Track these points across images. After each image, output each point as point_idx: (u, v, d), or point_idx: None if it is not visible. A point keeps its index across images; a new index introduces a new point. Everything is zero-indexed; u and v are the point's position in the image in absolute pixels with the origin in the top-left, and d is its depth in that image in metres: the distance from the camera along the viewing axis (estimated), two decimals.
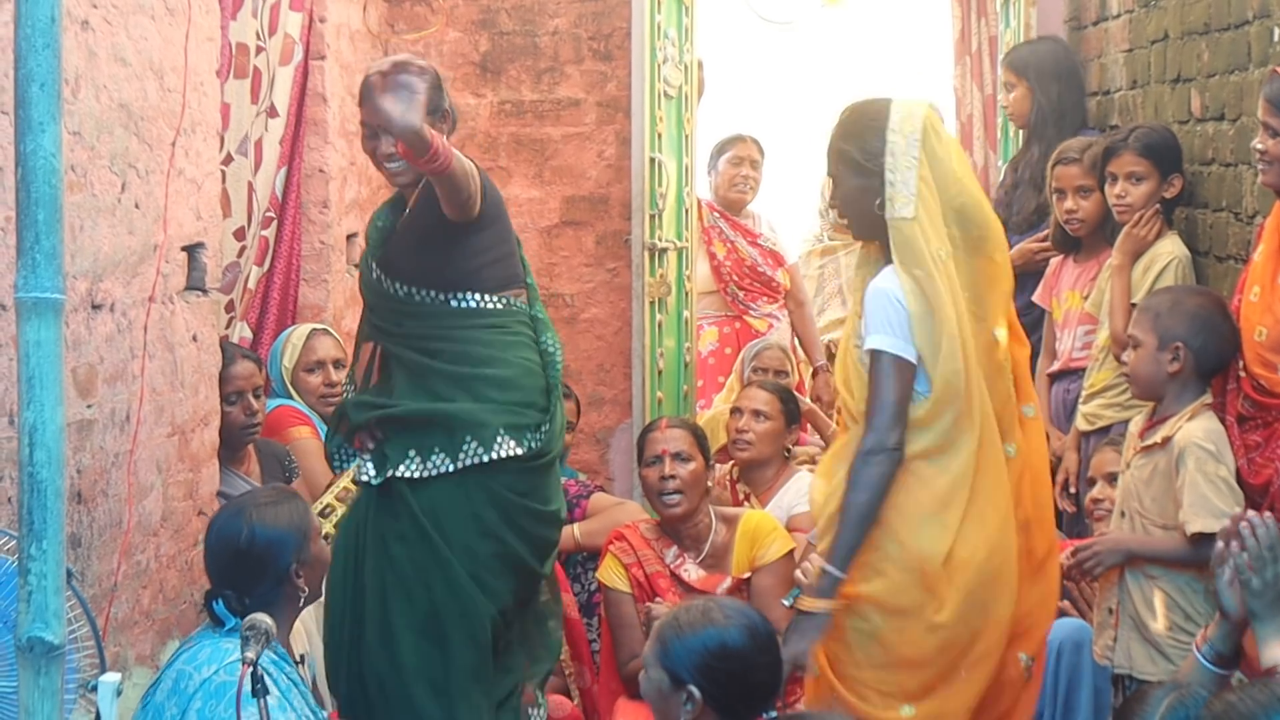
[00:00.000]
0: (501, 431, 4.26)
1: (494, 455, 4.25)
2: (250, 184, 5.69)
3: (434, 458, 4.26)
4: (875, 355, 3.71)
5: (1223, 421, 4.02)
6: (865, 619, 3.72)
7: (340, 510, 4.79)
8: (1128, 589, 4.07)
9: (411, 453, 4.27)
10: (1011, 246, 6.01)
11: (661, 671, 3.34)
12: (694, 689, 3.29)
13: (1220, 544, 3.24)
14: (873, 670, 3.73)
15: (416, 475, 4.26)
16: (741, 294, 7.21)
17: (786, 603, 3.85)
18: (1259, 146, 4.09)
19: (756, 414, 5.57)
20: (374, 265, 4.43)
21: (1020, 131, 6.37)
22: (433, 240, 4.29)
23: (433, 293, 4.33)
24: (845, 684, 3.73)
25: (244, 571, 3.58)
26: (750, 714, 3.39)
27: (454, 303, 4.33)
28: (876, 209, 3.75)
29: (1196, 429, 3.98)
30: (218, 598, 3.58)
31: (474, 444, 4.24)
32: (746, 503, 5.54)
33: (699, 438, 5.08)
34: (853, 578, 3.69)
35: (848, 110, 3.90)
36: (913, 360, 3.69)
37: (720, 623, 3.36)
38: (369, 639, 4.28)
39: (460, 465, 4.25)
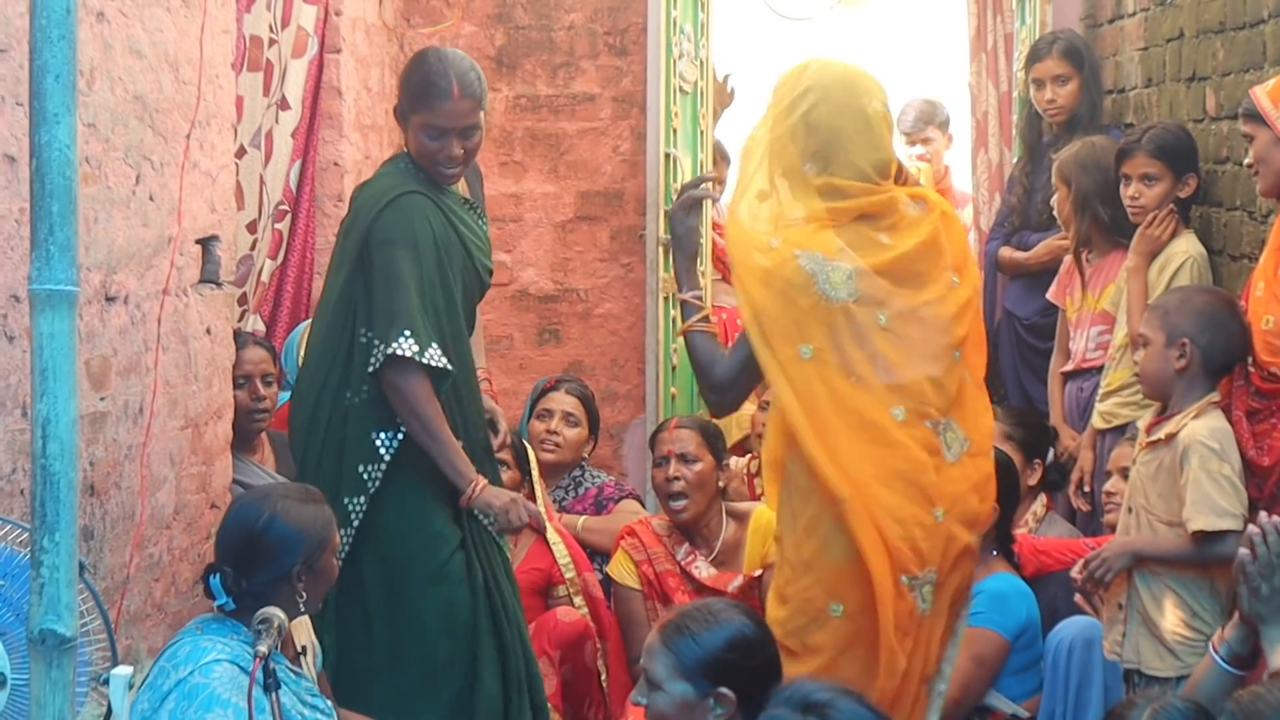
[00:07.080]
0: None
1: None
2: (261, 177, 5.70)
3: None
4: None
5: (1230, 419, 4.02)
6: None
7: None
8: (1136, 586, 4.07)
9: None
10: (1031, 245, 6.02)
11: (682, 684, 3.23)
12: (725, 690, 3.20)
13: (1241, 550, 3.23)
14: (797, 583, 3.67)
15: None
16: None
17: None
18: (1248, 161, 4.11)
19: None
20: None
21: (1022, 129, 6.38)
22: None
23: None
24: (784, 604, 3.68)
25: (250, 555, 3.56)
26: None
27: None
28: None
29: (1201, 427, 3.97)
30: (217, 572, 3.57)
31: None
32: (763, 499, 5.51)
33: (708, 437, 5.04)
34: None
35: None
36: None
37: (731, 618, 3.30)
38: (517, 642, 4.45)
39: None
